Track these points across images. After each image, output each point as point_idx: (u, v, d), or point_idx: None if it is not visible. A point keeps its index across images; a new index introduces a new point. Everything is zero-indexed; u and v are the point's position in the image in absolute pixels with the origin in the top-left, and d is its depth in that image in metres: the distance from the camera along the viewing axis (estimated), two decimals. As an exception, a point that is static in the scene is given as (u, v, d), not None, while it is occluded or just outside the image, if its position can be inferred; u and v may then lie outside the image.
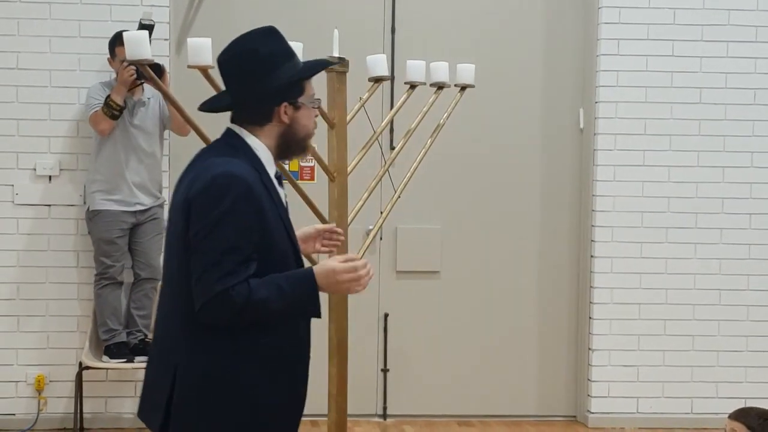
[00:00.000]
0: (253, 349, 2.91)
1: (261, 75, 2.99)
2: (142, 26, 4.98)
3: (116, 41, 5.09)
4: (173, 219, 2.94)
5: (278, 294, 2.88)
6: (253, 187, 2.88)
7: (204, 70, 3.45)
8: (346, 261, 2.99)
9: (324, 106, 3.83)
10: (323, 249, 3.44)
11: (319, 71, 3.13)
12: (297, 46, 3.63)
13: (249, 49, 3.03)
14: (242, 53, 3.02)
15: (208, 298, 2.82)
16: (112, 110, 5.07)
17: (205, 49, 3.46)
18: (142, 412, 3.03)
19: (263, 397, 2.93)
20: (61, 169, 5.43)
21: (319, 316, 2.98)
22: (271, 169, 3.03)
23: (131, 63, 4.17)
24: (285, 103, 2.99)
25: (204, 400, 2.89)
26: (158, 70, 4.40)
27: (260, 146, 3.01)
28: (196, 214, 2.86)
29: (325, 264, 2.97)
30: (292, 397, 3.03)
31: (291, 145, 3.06)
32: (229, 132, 3.03)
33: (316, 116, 3.12)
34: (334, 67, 3.81)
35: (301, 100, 3.02)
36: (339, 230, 3.43)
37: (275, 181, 3.04)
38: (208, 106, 3.11)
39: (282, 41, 3.07)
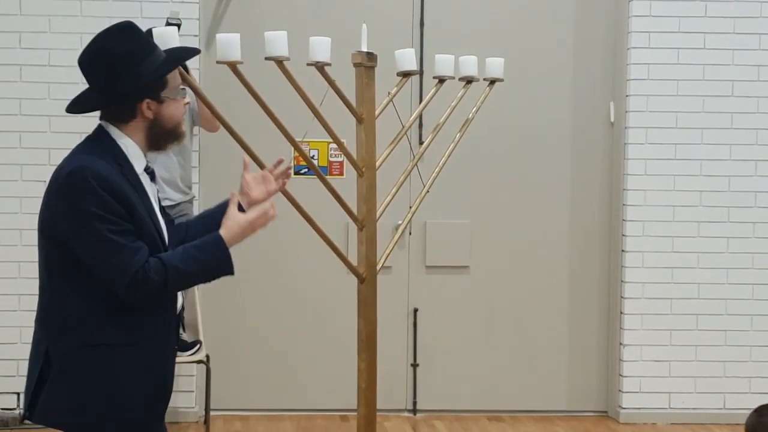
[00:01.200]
0: (111, 336, 2.97)
1: (119, 74, 2.98)
2: (168, 25, 5.01)
3: (147, 38, 5.12)
4: (39, 216, 3.01)
5: (193, 261, 2.98)
6: (108, 177, 2.91)
7: (233, 66, 3.46)
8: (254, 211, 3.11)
9: (352, 100, 3.83)
10: (279, 187, 3.44)
11: (179, 64, 3.12)
12: (325, 41, 3.63)
13: (106, 48, 3.01)
14: (99, 53, 3.02)
15: (128, 280, 2.88)
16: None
17: (234, 44, 3.46)
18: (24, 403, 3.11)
19: (123, 383, 2.98)
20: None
21: (232, 273, 3.05)
22: (139, 164, 3.06)
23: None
24: (147, 100, 3.00)
25: (65, 382, 2.96)
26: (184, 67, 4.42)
27: (127, 141, 3.03)
28: (62, 211, 2.92)
29: (235, 219, 3.07)
30: (155, 385, 3.07)
31: (160, 137, 3.08)
32: (97, 128, 3.06)
33: (186, 103, 3.13)
34: (363, 61, 3.80)
35: (164, 94, 3.02)
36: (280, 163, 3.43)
37: (145, 177, 3.07)
38: (75, 107, 3.11)
39: (140, 37, 3.05)
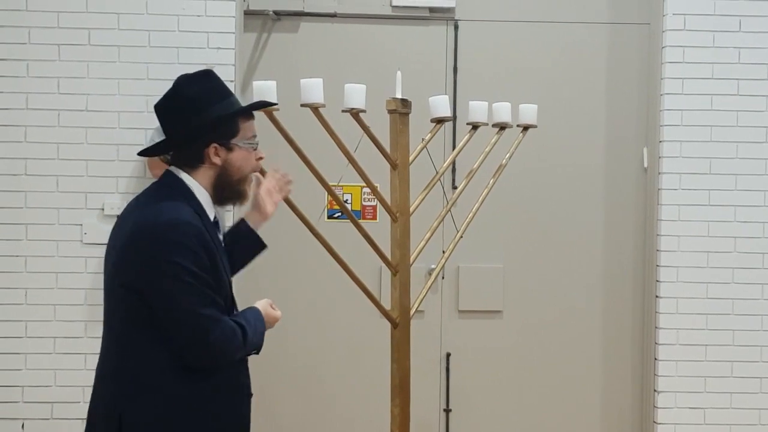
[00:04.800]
0: (193, 393, 2.91)
1: (187, 115, 2.97)
2: None
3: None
4: (108, 265, 2.96)
5: (254, 331, 3.03)
6: (198, 229, 2.87)
7: (269, 113, 3.50)
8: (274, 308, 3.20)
9: (387, 146, 3.86)
10: (281, 196, 3.56)
11: (248, 111, 3.08)
12: (360, 88, 3.67)
13: (178, 91, 3.02)
14: (172, 95, 3.03)
15: (217, 334, 2.86)
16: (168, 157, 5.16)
17: (270, 91, 3.50)
18: None
19: None
20: (128, 209, 5.50)
21: (258, 352, 3.12)
22: (210, 213, 3.03)
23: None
24: (215, 144, 2.97)
25: None
26: None
27: (197, 188, 3.00)
28: (147, 263, 2.84)
29: (268, 311, 3.17)
30: None
31: (226, 188, 3.04)
32: (167, 173, 3.04)
33: (259, 159, 3.10)
34: (397, 108, 3.83)
35: (234, 141, 2.99)
36: (282, 173, 3.54)
37: (214, 227, 3.05)
38: (148, 152, 3.13)
39: (213, 82, 3.04)
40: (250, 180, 3.11)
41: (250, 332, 2.98)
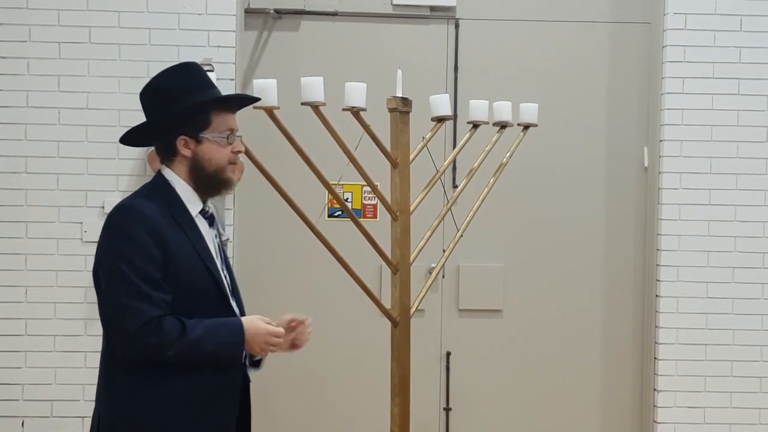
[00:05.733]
0: (160, 394, 2.89)
1: (159, 108, 3.00)
2: None
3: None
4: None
5: (211, 336, 2.88)
6: (151, 219, 2.86)
7: (270, 111, 3.49)
8: (274, 325, 3.04)
9: (387, 145, 3.85)
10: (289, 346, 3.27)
11: (218, 104, 3.06)
12: (361, 87, 3.66)
13: (155, 83, 3.05)
14: (149, 88, 3.06)
15: (137, 327, 2.80)
16: None
17: (270, 90, 3.49)
18: None
19: None
20: (128, 207, 5.49)
21: (239, 365, 3.00)
22: (194, 207, 3.02)
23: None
24: (184, 137, 2.98)
25: None
26: None
27: (178, 181, 3.01)
28: (98, 250, 2.91)
29: (255, 323, 2.99)
30: None
31: (202, 180, 3.03)
32: (157, 172, 3.08)
33: (238, 152, 3.08)
34: (398, 106, 3.82)
35: (204, 134, 2.99)
36: (303, 321, 3.26)
37: (201, 220, 3.03)
38: (126, 139, 3.14)
39: (192, 75, 3.05)
40: (231, 170, 3.09)
41: (196, 333, 2.85)
